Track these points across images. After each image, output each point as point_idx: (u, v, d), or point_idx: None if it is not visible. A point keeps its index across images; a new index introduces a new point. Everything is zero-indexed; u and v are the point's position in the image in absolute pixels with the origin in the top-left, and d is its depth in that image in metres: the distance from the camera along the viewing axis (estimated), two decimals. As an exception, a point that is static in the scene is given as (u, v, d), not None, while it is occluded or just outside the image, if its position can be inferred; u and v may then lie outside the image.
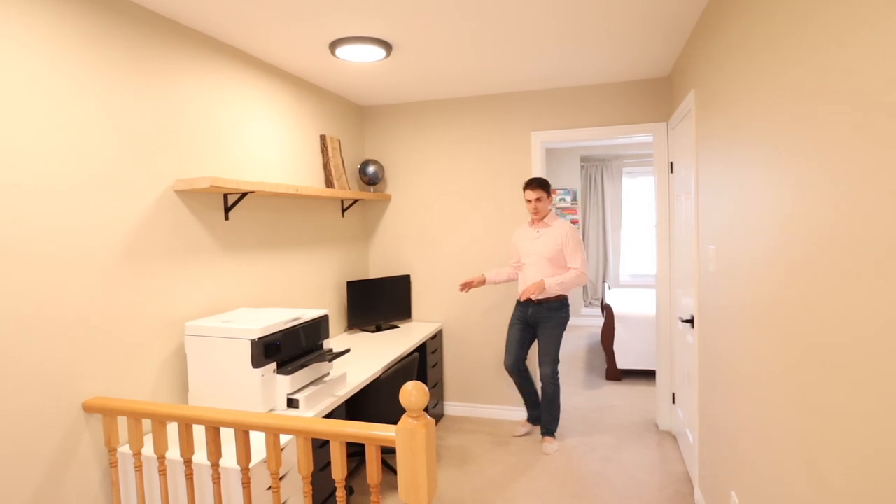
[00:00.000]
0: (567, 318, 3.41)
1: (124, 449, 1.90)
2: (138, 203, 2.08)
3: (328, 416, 2.30)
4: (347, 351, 2.45)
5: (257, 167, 2.84)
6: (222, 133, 2.57)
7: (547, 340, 3.38)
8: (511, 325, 3.51)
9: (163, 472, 1.76)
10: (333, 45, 2.61)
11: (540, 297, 3.36)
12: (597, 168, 7.26)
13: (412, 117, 4.02)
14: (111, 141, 1.97)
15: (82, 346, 1.84)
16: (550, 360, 3.38)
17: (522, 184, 3.84)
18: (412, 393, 1.42)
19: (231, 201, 2.59)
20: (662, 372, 3.67)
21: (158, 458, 1.75)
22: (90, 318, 1.87)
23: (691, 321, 2.81)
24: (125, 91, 2.04)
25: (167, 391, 2.22)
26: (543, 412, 3.47)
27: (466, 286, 3.41)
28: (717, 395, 2.25)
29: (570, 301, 6.90)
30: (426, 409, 3.66)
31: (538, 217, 3.38)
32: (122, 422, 1.96)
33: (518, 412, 3.92)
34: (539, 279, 3.30)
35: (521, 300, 3.25)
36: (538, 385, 3.89)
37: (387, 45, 2.65)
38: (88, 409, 1.82)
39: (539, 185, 3.33)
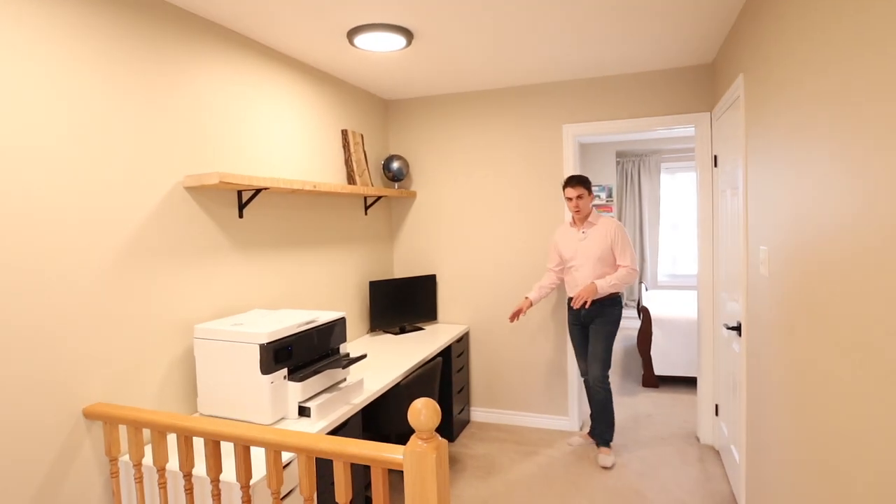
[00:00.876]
0: (620, 317, 3.21)
1: (126, 458, 1.81)
2: (145, 199, 1.99)
3: (343, 424, 2.18)
4: (364, 356, 2.31)
5: (275, 163, 2.74)
6: (238, 127, 2.47)
7: (596, 340, 3.18)
8: (570, 331, 3.35)
9: (163, 486, 1.66)
10: (351, 34, 2.48)
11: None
12: (633, 164, 6.95)
13: (437, 111, 3.87)
14: (117, 135, 1.89)
15: (84, 348, 1.76)
16: (600, 362, 3.17)
17: (553, 179, 3.63)
18: (422, 411, 1.26)
19: (245, 198, 2.49)
20: (704, 381, 3.41)
21: (158, 471, 1.65)
22: (93, 319, 1.79)
23: (738, 328, 2.57)
24: (134, 82, 1.95)
25: (175, 396, 2.13)
26: (596, 421, 3.25)
27: (515, 316, 3.21)
28: (769, 413, 2.01)
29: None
30: (449, 419, 3.51)
31: (580, 216, 3.18)
32: (124, 429, 1.87)
33: (548, 420, 3.72)
34: (589, 282, 3.12)
35: (575, 307, 3.09)
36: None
37: (407, 33, 2.50)
38: (89, 415, 1.73)
39: (579, 182, 3.14)
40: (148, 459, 1.79)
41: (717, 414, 3.34)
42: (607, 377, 3.19)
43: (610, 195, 6.76)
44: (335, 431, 2.13)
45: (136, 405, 1.95)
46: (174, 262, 2.12)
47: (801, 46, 1.57)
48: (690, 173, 6.83)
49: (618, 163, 6.99)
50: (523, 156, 3.69)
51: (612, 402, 3.23)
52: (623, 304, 3.27)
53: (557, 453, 3.32)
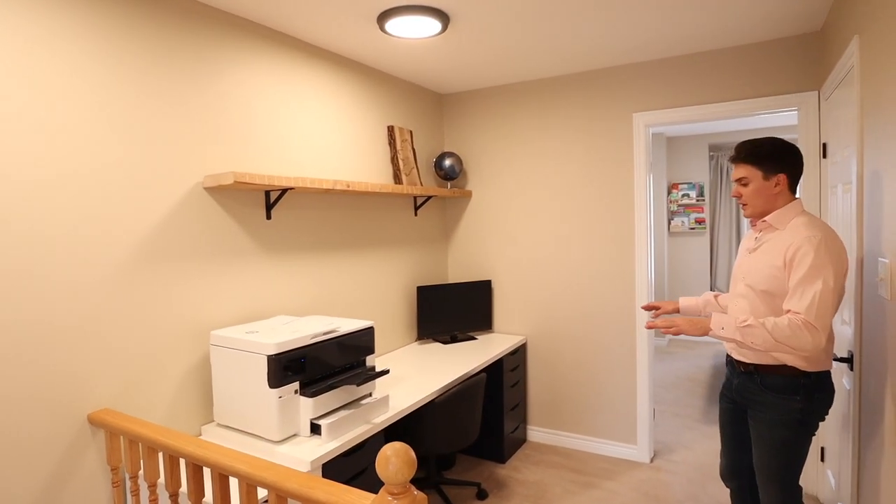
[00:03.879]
0: (804, 412, 1.73)
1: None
2: (162, 200, 1.93)
3: (360, 446, 1.99)
4: (386, 372, 2.11)
5: (309, 161, 2.62)
6: (267, 124, 2.37)
7: (760, 445, 1.81)
8: (719, 402, 2.07)
9: (153, 502, 1.56)
10: (381, 19, 2.29)
11: (742, 356, 1.83)
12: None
13: (493, 104, 3.59)
14: (132, 132, 1.83)
15: (92, 352, 1.71)
16: (768, 481, 1.80)
17: (622, 176, 3.22)
18: (391, 460, 1.02)
19: (273, 198, 2.39)
20: (807, 416, 2.84)
21: (149, 487, 1.56)
22: (102, 322, 1.74)
23: (849, 360, 2.06)
24: (152, 80, 1.89)
25: (192, 403, 2.05)
26: None
27: (652, 308, 2.11)
28: (893, 475, 1.54)
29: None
30: (500, 438, 3.22)
31: (748, 212, 1.86)
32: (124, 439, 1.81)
33: (614, 447, 3.31)
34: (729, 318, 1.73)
35: (647, 328, 1.85)
36: None
37: (442, 16, 2.26)
38: (93, 421, 1.68)
39: (742, 155, 1.81)
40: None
41: (822, 459, 2.76)
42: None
43: (701, 194, 6.08)
44: (350, 453, 1.95)
45: (148, 411, 1.89)
46: (193, 265, 2.05)
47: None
48: (801, 168, 5.95)
49: (711, 157, 6.26)
50: (588, 150, 3.31)
51: None
52: (802, 386, 1.73)
53: (620, 488, 2.92)
